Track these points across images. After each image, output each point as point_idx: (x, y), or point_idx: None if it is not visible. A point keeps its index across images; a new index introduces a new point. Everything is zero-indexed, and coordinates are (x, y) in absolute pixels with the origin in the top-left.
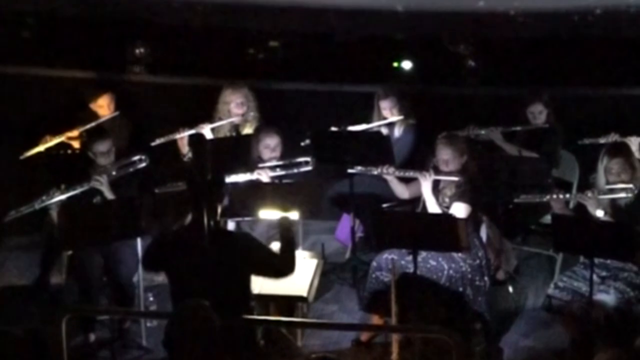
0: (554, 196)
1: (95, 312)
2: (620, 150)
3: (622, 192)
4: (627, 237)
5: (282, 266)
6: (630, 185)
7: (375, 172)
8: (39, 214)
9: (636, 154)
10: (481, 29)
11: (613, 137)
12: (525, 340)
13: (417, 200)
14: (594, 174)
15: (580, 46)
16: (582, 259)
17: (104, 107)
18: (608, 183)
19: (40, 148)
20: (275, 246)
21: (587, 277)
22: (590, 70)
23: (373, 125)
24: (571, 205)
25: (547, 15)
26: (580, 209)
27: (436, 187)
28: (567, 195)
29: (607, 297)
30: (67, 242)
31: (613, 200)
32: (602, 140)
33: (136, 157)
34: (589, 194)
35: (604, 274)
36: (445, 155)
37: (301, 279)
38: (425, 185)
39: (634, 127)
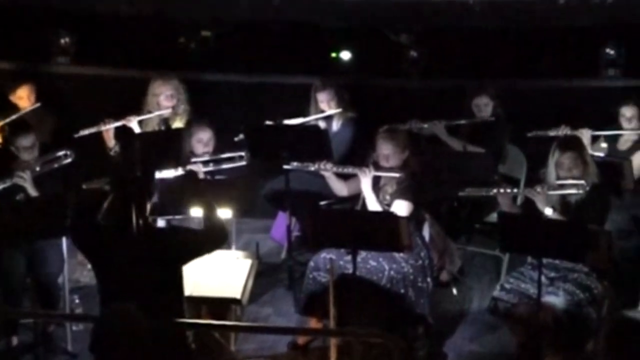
0: (501, 190)
1: (18, 314)
2: (573, 144)
3: (573, 189)
4: (577, 236)
5: (214, 236)
6: (582, 182)
7: (313, 168)
8: None
9: (588, 148)
10: (424, 18)
11: (563, 130)
12: (469, 345)
13: (357, 197)
14: (544, 169)
15: (528, 36)
16: (529, 259)
17: (23, 98)
18: (559, 178)
19: None
20: None
21: (535, 278)
22: (539, 61)
23: (310, 118)
24: (518, 201)
25: (493, 4)
26: (528, 206)
27: (376, 184)
28: (515, 190)
29: (555, 299)
30: None
31: (563, 197)
32: (551, 133)
33: (61, 152)
34: (539, 189)
35: (552, 275)
36: (386, 150)
37: (235, 280)
38: (365, 182)
39: (584, 119)
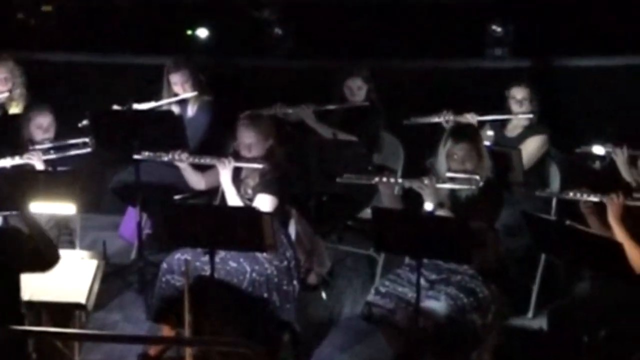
0: (384, 179)
1: None
2: (467, 134)
3: (466, 183)
4: (461, 234)
5: (48, 255)
6: (476, 176)
7: (166, 159)
8: None
9: None
10: None
11: (446, 116)
12: (341, 355)
13: (215, 191)
14: (432, 159)
15: (407, 12)
16: (407, 259)
17: None
18: (449, 170)
19: None
20: None
21: (413, 280)
22: (418, 40)
23: (162, 103)
24: (396, 191)
25: None
26: (410, 200)
27: (237, 176)
28: (400, 180)
29: (436, 304)
30: None
31: (453, 192)
32: (432, 120)
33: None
34: (426, 181)
35: (433, 277)
36: (248, 138)
37: (79, 283)
38: (225, 174)
39: (469, 104)
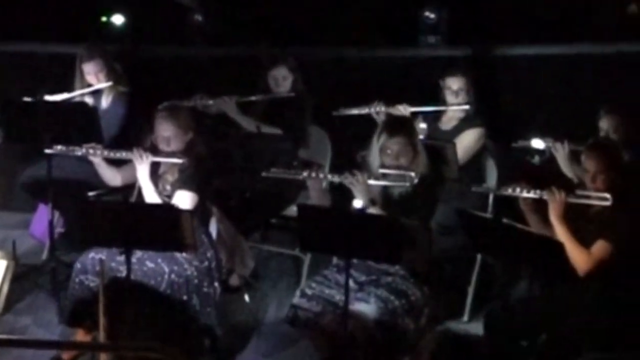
0: (313, 174)
1: None
2: (403, 128)
3: (400, 180)
4: (392, 233)
5: None
6: (411, 173)
7: (79, 153)
8: None
9: None
10: None
11: (377, 107)
12: None
13: (132, 187)
14: (363, 152)
15: None
16: (335, 260)
17: None
18: (383, 166)
19: None
20: None
21: (342, 282)
22: (346, 27)
23: (75, 94)
24: (323, 185)
25: None
26: (340, 196)
27: (155, 172)
28: (330, 176)
29: (366, 307)
30: None
31: (385, 189)
32: (362, 111)
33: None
34: (359, 177)
35: (362, 278)
36: (166, 131)
37: None
38: (142, 169)
39: (401, 94)
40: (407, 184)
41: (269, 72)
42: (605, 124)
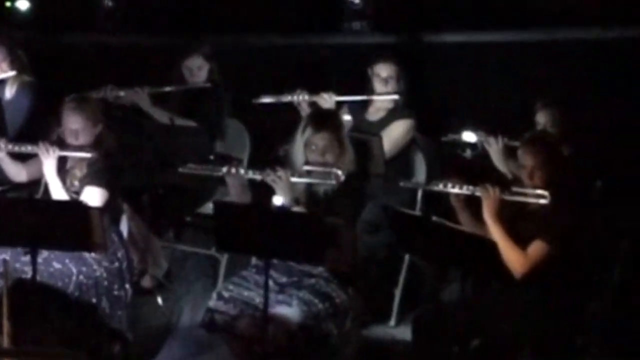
0: (232, 170)
1: None
2: (329, 122)
3: (325, 178)
4: (314, 232)
5: None
6: (337, 171)
7: None
8: None
9: None
10: None
11: (300, 96)
12: None
13: (38, 183)
14: (287, 145)
15: None
16: (254, 260)
17: None
18: (307, 163)
19: None
20: None
21: (261, 283)
22: (266, 13)
23: None
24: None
25: None
26: (260, 194)
27: (63, 167)
28: (250, 172)
29: (288, 310)
30: None
31: (310, 186)
32: (284, 99)
33: None
34: (281, 174)
35: (283, 280)
36: (74, 124)
37: None
38: (48, 164)
39: (326, 83)
40: (333, 182)
41: (183, 62)
42: (542, 118)
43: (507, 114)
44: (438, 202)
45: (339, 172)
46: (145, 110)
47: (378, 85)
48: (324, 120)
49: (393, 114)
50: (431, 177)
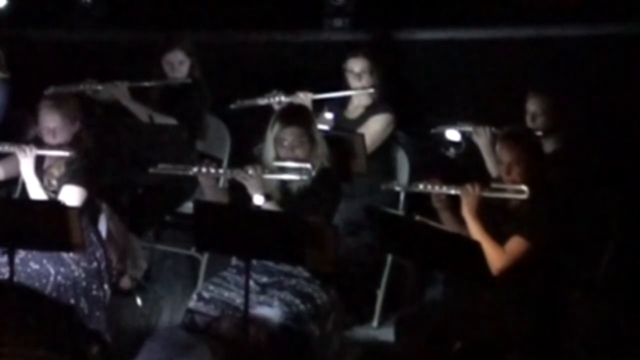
0: (204, 170)
1: None
2: (297, 117)
3: (297, 173)
4: (294, 231)
5: None
6: (307, 165)
7: None
8: None
9: None
10: None
11: (276, 97)
12: None
13: (14, 182)
14: (260, 144)
15: None
16: (234, 260)
17: None
18: (278, 159)
19: None
20: None
21: (242, 284)
22: (246, 9)
23: None
24: (220, 184)
25: None
26: (238, 193)
27: (40, 166)
28: (221, 171)
29: (269, 311)
30: None
31: (283, 183)
32: (261, 101)
33: None
34: (250, 171)
35: (264, 280)
36: (52, 122)
37: None
38: (25, 163)
39: (304, 82)
40: (305, 177)
41: (163, 57)
42: (533, 106)
43: (492, 112)
44: (421, 201)
45: (310, 167)
46: (124, 105)
47: (352, 81)
48: (292, 115)
49: (371, 110)
50: (414, 174)
